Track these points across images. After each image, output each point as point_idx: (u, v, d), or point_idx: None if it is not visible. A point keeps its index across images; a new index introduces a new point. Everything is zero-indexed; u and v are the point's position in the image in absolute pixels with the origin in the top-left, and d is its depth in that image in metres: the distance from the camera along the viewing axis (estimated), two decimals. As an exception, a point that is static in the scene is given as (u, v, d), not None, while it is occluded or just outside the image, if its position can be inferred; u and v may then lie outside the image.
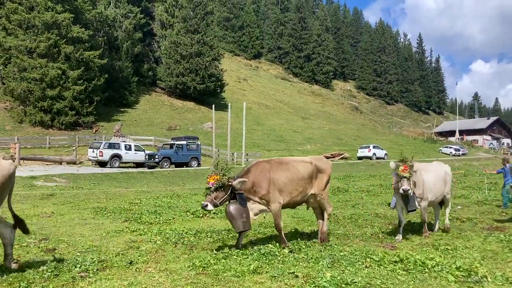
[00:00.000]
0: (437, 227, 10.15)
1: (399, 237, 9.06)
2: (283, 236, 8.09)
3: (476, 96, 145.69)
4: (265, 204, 7.94)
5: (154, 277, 6.11)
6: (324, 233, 8.65)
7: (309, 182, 8.40)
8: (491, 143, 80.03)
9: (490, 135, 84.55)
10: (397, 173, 8.74)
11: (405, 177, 8.52)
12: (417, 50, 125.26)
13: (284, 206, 8.20)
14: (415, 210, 9.22)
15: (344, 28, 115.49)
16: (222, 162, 7.87)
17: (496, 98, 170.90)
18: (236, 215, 7.61)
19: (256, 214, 8.05)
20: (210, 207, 7.45)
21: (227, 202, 7.71)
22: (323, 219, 8.79)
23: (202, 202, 7.52)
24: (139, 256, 7.47)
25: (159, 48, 58.44)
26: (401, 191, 8.51)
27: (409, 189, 8.46)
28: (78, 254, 7.52)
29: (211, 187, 7.52)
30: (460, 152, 60.34)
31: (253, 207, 7.91)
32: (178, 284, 5.81)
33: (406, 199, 8.86)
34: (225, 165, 7.75)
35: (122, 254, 7.57)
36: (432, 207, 10.44)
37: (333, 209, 10.12)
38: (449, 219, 10.22)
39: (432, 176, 9.45)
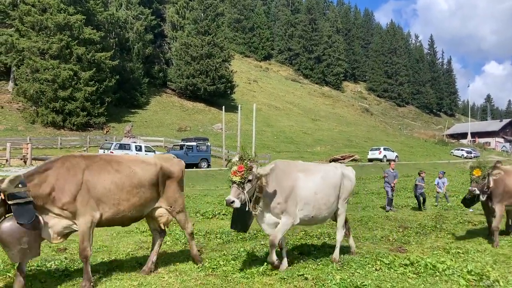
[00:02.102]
0: (336, 255, 7.27)
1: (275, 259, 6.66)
2: (90, 273, 5.68)
3: (488, 98, 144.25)
4: (70, 218, 5.57)
5: (164, 277, 6.14)
6: (195, 255, 6.97)
7: (151, 190, 6.28)
8: (503, 146, 79.05)
9: (503, 138, 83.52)
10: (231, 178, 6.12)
11: (234, 182, 6.00)
12: (429, 51, 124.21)
13: (105, 223, 5.93)
14: (244, 230, 6.97)
15: (355, 30, 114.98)
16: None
17: (509, 100, 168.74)
18: (9, 240, 5.04)
19: (61, 235, 5.63)
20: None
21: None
22: (159, 243, 6.80)
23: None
24: (145, 254, 7.50)
25: (170, 49, 58.70)
26: (228, 202, 5.86)
27: (234, 201, 5.82)
28: (89, 254, 7.55)
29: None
30: (472, 155, 59.63)
31: (53, 223, 5.49)
32: (187, 285, 5.82)
33: (238, 214, 6.47)
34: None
35: (132, 254, 7.61)
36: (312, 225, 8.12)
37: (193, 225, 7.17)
38: (354, 246, 7.94)
39: (316, 182, 6.86)
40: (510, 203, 9.11)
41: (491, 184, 8.74)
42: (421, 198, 15.45)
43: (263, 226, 6.64)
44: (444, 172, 17.96)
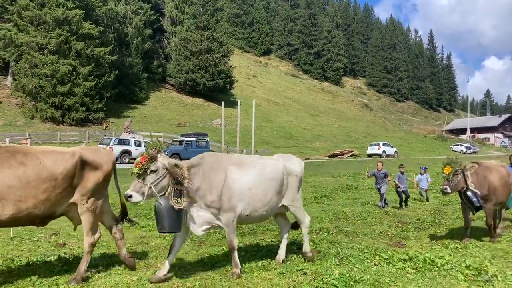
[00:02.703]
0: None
1: None
2: None
3: (488, 94, 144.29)
4: None
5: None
6: (80, 272, 5.74)
7: (65, 184, 5.55)
8: (502, 141, 79.16)
9: (502, 133, 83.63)
10: None
11: (134, 174, 5.54)
12: (428, 47, 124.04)
13: (7, 223, 5.35)
14: (174, 230, 5.87)
15: (355, 25, 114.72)
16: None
17: (509, 96, 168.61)
18: None
19: None
20: None
21: None
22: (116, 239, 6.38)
23: None
24: (148, 251, 7.53)
25: (169, 44, 58.55)
26: (129, 198, 5.50)
27: (131, 195, 5.45)
28: (88, 249, 7.57)
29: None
30: (471, 150, 59.80)
31: None
32: (187, 280, 5.84)
33: (160, 212, 5.72)
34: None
35: (131, 249, 7.62)
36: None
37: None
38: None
39: (251, 176, 6.26)
40: (497, 202, 8.70)
41: (469, 182, 8.18)
42: (404, 196, 14.39)
43: (191, 227, 5.95)
44: (426, 168, 16.68)
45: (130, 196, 5.39)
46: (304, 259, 6.86)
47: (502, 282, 5.70)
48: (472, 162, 8.52)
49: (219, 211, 5.92)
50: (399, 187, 14.29)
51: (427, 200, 15.70)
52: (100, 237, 6.01)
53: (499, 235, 8.94)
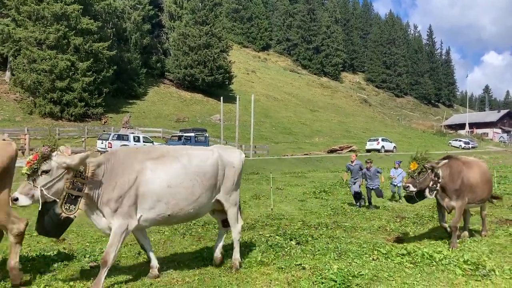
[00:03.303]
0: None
1: None
2: None
3: (487, 89, 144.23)
4: None
5: (162, 267, 6.17)
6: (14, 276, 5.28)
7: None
8: (501, 136, 79.20)
9: (501, 128, 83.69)
10: None
11: (24, 174, 4.92)
12: (427, 42, 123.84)
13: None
14: (54, 236, 5.79)
15: (354, 20, 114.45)
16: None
17: (508, 91, 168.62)
18: None
19: None
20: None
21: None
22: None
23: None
24: (148, 246, 7.53)
25: (168, 39, 58.36)
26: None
27: (17, 198, 4.76)
28: (88, 244, 7.62)
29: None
30: (470, 145, 59.90)
31: None
32: (185, 274, 5.86)
33: (43, 215, 5.26)
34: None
35: (130, 245, 7.64)
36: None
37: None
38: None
39: (170, 172, 5.61)
40: (472, 200, 7.99)
41: (441, 179, 7.56)
42: (371, 194, 13.31)
43: (102, 231, 5.43)
44: (401, 162, 15.38)
45: (16, 199, 4.71)
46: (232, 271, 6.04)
47: (499, 276, 5.72)
48: (446, 157, 8.01)
49: (113, 213, 5.16)
50: (372, 179, 13.27)
51: (400, 198, 14.41)
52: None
53: (463, 237, 8.23)
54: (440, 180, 7.54)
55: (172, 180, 5.50)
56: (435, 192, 7.59)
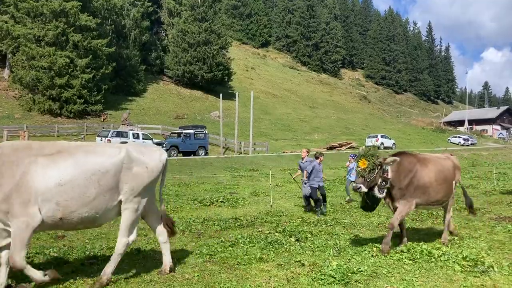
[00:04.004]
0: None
1: None
2: None
3: (486, 85, 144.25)
4: None
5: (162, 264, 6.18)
6: None
7: None
8: (500, 133, 79.27)
9: (500, 125, 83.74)
10: None
11: None
12: (427, 38, 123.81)
13: None
14: None
15: (353, 17, 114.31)
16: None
17: (507, 88, 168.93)
18: None
19: None
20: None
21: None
22: None
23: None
24: (147, 243, 7.56)
25: (167, 36, 58.29)
26: None
27: None
28: (87, 241, 7.63)
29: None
30: (469, 142, 59.91)
31: None
32: (185, 271, 5.87)
33: None
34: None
35: (130, 241, 7.64)
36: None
37: None
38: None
39: (64, 167, 5.09)
40: (423, 201, 7.18)
41: (389, 176, 6.81)
42: (316, 195, 11.24)
43: None
44: (356, 156, 13.80)
45: None
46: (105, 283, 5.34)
47: (498, 273, 5.74)
48: (398, 153, 7.22)
49: (6, 215, 4.78)
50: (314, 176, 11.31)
51: (349, 195, 13.44)
52: None
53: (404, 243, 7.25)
54: (389, 177, 6.81)
55: (64, 178, 4.96)
56: (385, 190, 6.85)
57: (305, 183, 11.52)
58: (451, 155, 8.09)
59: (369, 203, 7.20)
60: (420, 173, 7.05)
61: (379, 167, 6.71)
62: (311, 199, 11.47)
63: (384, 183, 6.77)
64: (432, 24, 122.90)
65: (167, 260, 5.86)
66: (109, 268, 5.37)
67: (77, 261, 6.28)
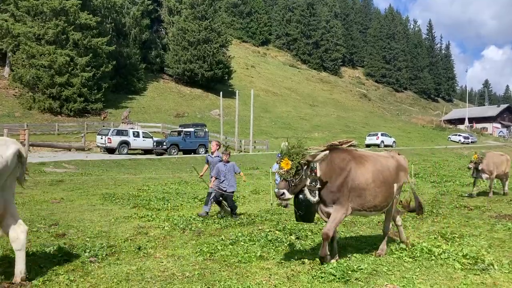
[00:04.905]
0: None
1: None
2: None
3: (486, 84, 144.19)
4: None
5: (162, 262, 6.19)
6: None
7: None
8: (500, 131, 79.28)
9: (500, 123, 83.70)
10: None
11: None
12: (427, 36, 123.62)
13: None
14: None
15: (353, 15, 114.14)
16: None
17: (507, 86, 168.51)
18: None
19: None
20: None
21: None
22: None
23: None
24: (148, 241, 7.56)
25: (167, 34, 58.25)
26: None
27: None
28: (88, 239, 7.63)
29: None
30: (469, 140, 59.93)
31: None
32: (185, 269, 5.88)
33: None
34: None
35: (130, 239, 7.66)
36: None
37: None
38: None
39: None
40: (358, 206, 6.10)
41: (319, 174, 5.78)
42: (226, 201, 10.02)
43: None
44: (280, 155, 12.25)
45: None
46: None
47: (498, 271, 5.75)
48: (328, 148, 6.26)
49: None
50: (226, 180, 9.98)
51: (272, 203, 12.22)
52: None
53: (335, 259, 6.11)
54: (318, 175, 5.76)
55: None
56: (317, 192, 5.78)
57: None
58: (398, 154, 7.09)
59: (301, 213, 5.88)
60: (355, 172, 6.02)
61: (306, 166, 5.63)
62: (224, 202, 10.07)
63: (314, 183, 5.68)
64: (433, 22, 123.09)
65: (18, 270, 5.09)
66: (19, 267, 5.03)
67: (77, 259, 6.29)
